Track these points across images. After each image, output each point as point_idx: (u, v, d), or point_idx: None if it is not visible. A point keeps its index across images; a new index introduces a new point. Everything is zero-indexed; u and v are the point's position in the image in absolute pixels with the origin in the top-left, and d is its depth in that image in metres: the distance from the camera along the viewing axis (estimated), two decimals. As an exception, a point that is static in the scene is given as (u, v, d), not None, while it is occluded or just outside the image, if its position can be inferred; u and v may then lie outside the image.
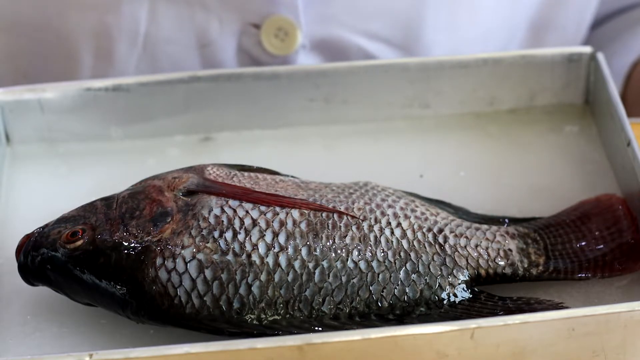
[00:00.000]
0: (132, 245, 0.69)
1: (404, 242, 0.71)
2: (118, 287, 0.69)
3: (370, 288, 0.70)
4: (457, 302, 0.70)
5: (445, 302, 0.70)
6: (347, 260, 0.70)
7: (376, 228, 0.71)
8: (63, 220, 0.72)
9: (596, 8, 1.00)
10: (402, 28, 0.93)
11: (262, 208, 0.71)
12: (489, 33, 0.95)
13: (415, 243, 0.71)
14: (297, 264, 0.69)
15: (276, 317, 0.69)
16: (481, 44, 0.95)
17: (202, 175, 0.73)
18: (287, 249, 0.69)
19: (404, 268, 0.70)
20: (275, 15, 0.90)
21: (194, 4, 0.90)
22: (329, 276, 0.69)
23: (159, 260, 0.69)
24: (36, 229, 0.72)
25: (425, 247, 0.71)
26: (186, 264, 0.69)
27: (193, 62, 0.92)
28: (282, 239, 0.70)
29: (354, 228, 0.71)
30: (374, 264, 0.70)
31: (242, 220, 0.70)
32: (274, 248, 0.69)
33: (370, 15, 0.92)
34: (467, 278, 0.71)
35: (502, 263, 0.72)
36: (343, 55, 0.93)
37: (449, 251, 0.71)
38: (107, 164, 0.83)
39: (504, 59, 0.85)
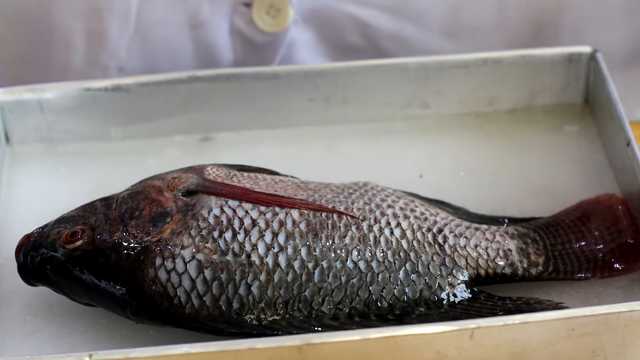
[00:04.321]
0: (132, 245, 0.69)
1: (404, 242, 0.71)
2: (118, 287, 0.69)
3: (370, 288, 0.70)
4: (456, 302, 0.70)
5: (444, 302, 0.70)
6: (347, 260, 0.70)
7: (376, 228, 0.71)
8: (63, 220, 0.72)
9: None
10: None
11: (262, 208, 0.71)
12: None
13: (414, 243, 0.71)
14: (296, 264, 0.69)
15: (276, 317, 0.69)
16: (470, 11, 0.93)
17: (201, 175, 0.73)
18: (286, 249, 0.69)
19: (403, 268, 0.70)
20: None
21: None
22: (328, 276, 0.69)
23: (158, 261, 0.69)
24: (36, 229, 0.72)
25: (424, 247, 0.71)
26: (186, 264, 0.69)
27: (185, 44, 0.91)
28: (281, 239, 0.70)
29: (353, 228, 0.71)
30: (374, 264, 0.70)
31: (241, 221, 0.70)
32: (274, 248, 0.69)
33: None
34: (467, 278, 0.71)
35: (501, 263, 0.72)
36: (336, 26, 0.92)
37: (448, 251, 0.71)
38: (107, 164, 0.83)
39: (503, 59, 0.85)
